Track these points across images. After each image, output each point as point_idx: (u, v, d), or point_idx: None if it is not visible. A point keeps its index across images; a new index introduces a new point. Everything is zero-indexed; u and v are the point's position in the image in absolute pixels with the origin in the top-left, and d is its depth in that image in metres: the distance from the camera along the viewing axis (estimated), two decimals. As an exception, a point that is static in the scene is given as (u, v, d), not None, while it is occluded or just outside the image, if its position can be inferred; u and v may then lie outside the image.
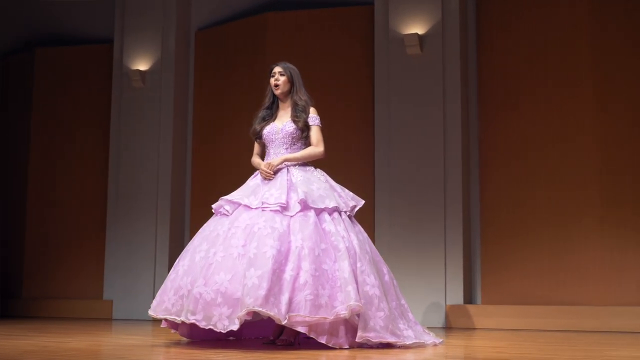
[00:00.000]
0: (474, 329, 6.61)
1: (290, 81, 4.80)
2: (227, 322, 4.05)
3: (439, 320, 6.82)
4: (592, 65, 6.81)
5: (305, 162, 4.73)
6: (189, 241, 4.80)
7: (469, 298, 7.01)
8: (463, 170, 7.06)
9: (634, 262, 6.48)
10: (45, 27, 9.54)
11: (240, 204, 4.53)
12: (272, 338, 4.54)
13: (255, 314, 4.14)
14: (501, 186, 7.08)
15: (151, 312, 4.46)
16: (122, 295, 8.30)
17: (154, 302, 4.48)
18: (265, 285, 4.00)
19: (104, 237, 8.65)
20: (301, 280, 4.09)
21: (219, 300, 4.08)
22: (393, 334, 4.23)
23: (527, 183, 6.97)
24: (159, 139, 8.41)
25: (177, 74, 8.51)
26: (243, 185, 4.75)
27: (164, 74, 8.51)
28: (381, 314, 4.22)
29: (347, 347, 4.16)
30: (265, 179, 4.65)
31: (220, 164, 8.30)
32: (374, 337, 4.16)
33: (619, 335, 5.80)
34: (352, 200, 4.65)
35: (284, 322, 4.02)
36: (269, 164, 4.65)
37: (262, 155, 4.91)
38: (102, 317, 8.30)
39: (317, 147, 4.73)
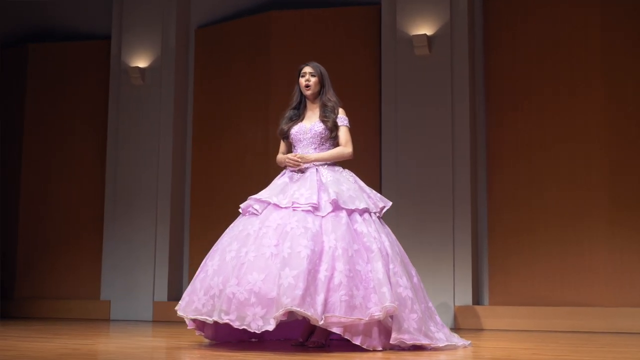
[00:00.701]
0: (482, 329, 6.62)
1: (321, 82, 4.77)
2: (262, 322, 4.01)
3: (447, 322, 6.82)
4: (602, 66, 6.86)
5: (333, 163, 4.70)
6: (217, 240, 4.72)
7: (477, 299, 7.02)
8: (471, 170, 7.06)
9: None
10: (40, 22, 9.37)
11: (269, 203, 4.49)
12: (301, 340, 4.50)
13: (289, 314, 4.10)
14: (508, 187, 7.10)
15: (180, 313, 4.39)
16: (121, 296, 8.18)
17: (182, 302, 4.41)
18: (301, 285, 3.96)
19: (102, 236, 8.52)
20: (336, 280, 4.06)
21: (253, 300, 4.04)
22: (426, 336, 4.22)
23: (534, 184, 7.00)
24: (159, 137, 8.30)
25: (177, 71, 8.42)
26: (271, 184, 4.70)
27: (164, 71, 8.40)
28: (414, 315, 4.20)
29: (381, 348, 4.14)
30: (292, 169, 4.60)
31: (220, 163, 8.22)
32: (408, 339, 4.14)
33: (628, 336, 5.84)
34: (380, 201, 4.63)
35: (320, 323, 3.98)
36: (301, 155, 4.59)
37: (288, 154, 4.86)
38: (100, 318, 8.17)
39: (345, 147, 4.70)
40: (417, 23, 7.31)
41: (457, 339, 4.50)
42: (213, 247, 4.65)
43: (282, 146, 4.91)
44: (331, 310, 4.00)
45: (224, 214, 8.01)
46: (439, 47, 7.24)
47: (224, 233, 4.67)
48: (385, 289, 4.10)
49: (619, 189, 6.69)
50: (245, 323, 4.04)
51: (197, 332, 4.68)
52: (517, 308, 6.76)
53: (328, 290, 4.03)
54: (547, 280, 6.82)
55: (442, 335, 4.37)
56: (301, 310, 3.92)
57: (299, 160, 4.60)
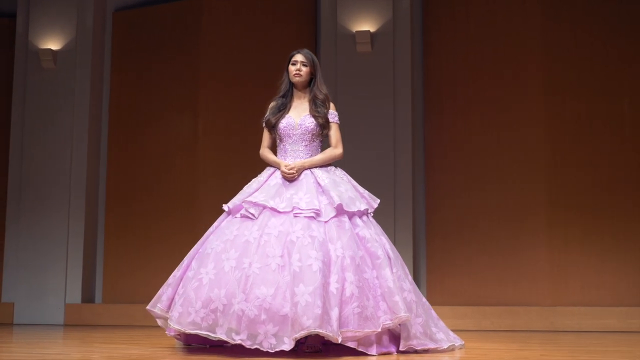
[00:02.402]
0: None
1: (312, 72, 4.51)
2: (274, 340, 3.74)
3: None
4: (541, 67, 7.02)
5: None
6: (198, 241, 4.37)
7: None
8: (413, 169, 7.03)
9: (579, 262, 6.74)
10: None
11: (265, 207, 4.18)
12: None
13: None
14: (447, 187, 7.12)
15: (175, 325, 3.99)
16: (26, 298, 7.49)
17: (174, 312, 4.01)
18: (319, 302, 3.73)
19: (3, 233, 7.77)
20: (347, 292, 3.86)
21: (263, 317, 3.76)
22: (432, 339, 4.11)
23: (473, 183, 7.07)
24: (72, 125, 7.68)
25: (95, 55, 7.81)
26: (260, 185, 4.35)
27: (80, 54, 7.77)
28: (419, 320, 4.08)
29: (394, 352, 3.98)
30: (287, 180, 4.32)
31: (141, 156, 7.72)
32: (417, 344, 4.01)
33: (562, 334, 5.99)
34: (372, 200, 4.43)
35: (339, 341, 3.76)
36: (292, 167, 4.32)
37: (272, 147, 4.57)
38: (1, 322, 7.45)
39: (336, 148, 4.46)
40: (360, 19, 7.18)
41: (453, 336, 4.40)
42: (198, 249, 4.29)
43: (267, 138, 4.58)
44: (345, 325, 3.81)
45: (145, 212, 7.59)
46: (381, 45, 7.15)
47: (210, 234, 4.31)
48: (398, 298, 3.94)
49: (558, 189, 6.86)
50: (257, 342, 3.76)
51: (177, 340, 4.31)
52: (455, 308, 6.78)
53: (341, 304, 3.83)
54: (486, 280, 6.89)
55: (443, 336, 4.26)
56: (323, 331, 3.70)
57: (295, 172, 4.32)
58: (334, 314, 3.75)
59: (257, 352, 4.18)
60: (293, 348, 4.17)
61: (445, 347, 4.15)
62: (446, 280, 7.01)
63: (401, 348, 3.97)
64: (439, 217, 7.11)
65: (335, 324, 3.73)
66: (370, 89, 7.11)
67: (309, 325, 3.67)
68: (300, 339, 4.29)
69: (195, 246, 4.37)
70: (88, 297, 7.56)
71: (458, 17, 7.31)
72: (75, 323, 7.30)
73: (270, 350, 3.73)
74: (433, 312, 4.49)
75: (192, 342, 4.38)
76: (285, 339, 3.72)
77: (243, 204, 4.26)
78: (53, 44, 7.77)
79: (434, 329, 4.25)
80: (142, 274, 7.49)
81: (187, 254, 4.38)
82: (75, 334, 5.91)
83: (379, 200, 4.48)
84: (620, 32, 6.94)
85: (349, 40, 7.18)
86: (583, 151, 6.87)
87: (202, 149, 7.56)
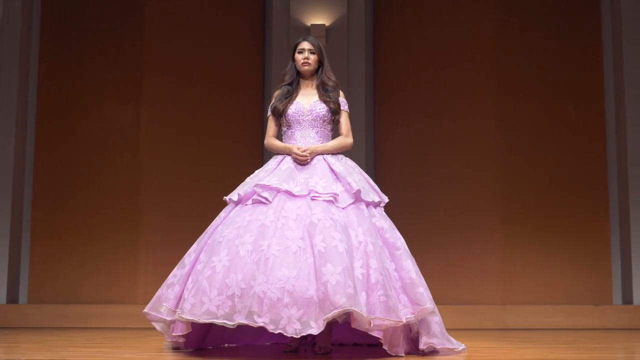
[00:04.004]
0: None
1: (320, 59, 4.34)
2: (299, 325, 3.52)
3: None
4: (495, 66, 7.12)
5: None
6: (203, 233, 4.13)
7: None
8: (366, 168, 6.95)
9: (529, 261, 6.90)
10: None
11: (279, 190, 3.97)
12: (294, 345, 4.06)
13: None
14: (397, 184, 7.09)
15: (188, 316, 3.69)
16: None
17: (187, 304, 3.71)
18: (350, 283, 3.57)
19: None
20: (372, 279, 3.71)
21: (286, 300, 3.54)
22: (449, 340, 4.01)
23: (425, 182, 7.08)
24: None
25: (23, 33, 7.17)
26: (272, 170, 4.15)
27: (4, 34, 7.16)
28: (437, 318, 3.97)
29: (403, 354, 3.84)
30: (300, 163, 4.13)
31: (75, 148, 7.18)
32: (437, 343, 3.91)
33: (517, 332, 6.12)
34: (382, 194, 4.31)
35: (371, 325, 3.60)
36: (306, 149, 4.14)
37: (278, 137, 4.36)
38: None
39: (347, 137, 4.32)
40: (314, 13, 7.05)
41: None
42: (204, 240, 4.05)
43: (272, 127, 4.37)
44: (372, 312, 3.64)
45: (80, 208, 7.09)
46: (335, 39, 7.04)
47: (217, 225, 4.07)
48: (422, 289, 3.84)
49: (512, 187, 6.98)
50: (280, 327, 3.53)
51: (171, 340, 4.02)
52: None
53: (368, 289, 3.67)
54: (440, 279, 6.92)
55: (452, 338, 4.18)
56: (358, 310, 3.52)
57: (307, 156, 4.14)
58: (362, 298, 3.60)
59: (262, 353, 4.00)
60: (294, 348, 4.02)
61: (460, 349, 4.07)
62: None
63: (421, 346, 3.85)
64: (388, 213, 7.06)
65: (364, 309, 3.58)
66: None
67: (343, 303, 3.49)
68: (310, 339, 4.13)
69: (198, 242, 4.12)
70: (13, 297, 6.99)
71: (409, 16, 7.32)
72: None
73: (295, 336, 3.53)
74: None
75: (205, 345, 4.14)
76: (312, 323, 3.51)
77: (255, 188, 4.03)
78: (-24, 23, 7.13)
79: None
80: (75, 273, 6.99)
81: (188, 252, 4.14)
82: (24, 337, 5.42)
83: (387, 198, 4.34)
84: (567, 38, 7.16)
85: (302, 34, 7.00)
86: (535, 150, 7.03)
87: (145, 142, 7.16)
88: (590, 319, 6.61)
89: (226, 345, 4.32)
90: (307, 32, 6.99)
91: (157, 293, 4.08)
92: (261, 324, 3.53)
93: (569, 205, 6.96)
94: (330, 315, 3.51)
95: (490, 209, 6.98)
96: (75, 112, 7.22)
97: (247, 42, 7.33)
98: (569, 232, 6.93)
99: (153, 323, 4.10)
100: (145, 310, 4.06)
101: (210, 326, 4.03)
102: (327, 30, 6.98)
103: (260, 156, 7.16)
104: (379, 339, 3.72)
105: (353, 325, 3.65)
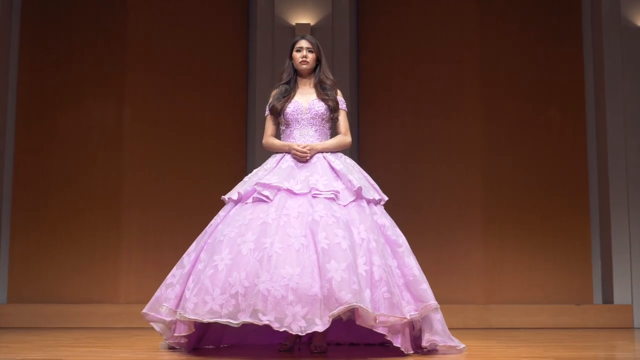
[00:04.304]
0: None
1: (318, 58, 4.33)
2: (304, 322, 3.50)
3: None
4: (479, 74, 7.19)
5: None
6: (202, 232, 4.12)
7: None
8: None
9: (512, 260, 6.96)
10: None
11: (280, 189, 3.95)
12: (288, 344, 4.04)
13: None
14: (381, 183, 7.08)
15: (191, 316, 3.63)
16: None
17: (188, 304, 3.66)
18: (355, 279, 3.56)
19: None
20: (376, 276, 3.71)
21: (291, 297, 3.52)
22: (450, 338, 4.01)
23: (409, 184, 7.11)
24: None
25: (3, 30, 7.06)
26: (272, 169, 4.13)
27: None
28: (439, 316, 3.97)
29: (412, 351, 3.85)
30: (299, 160, 4.11)
31: (56, 146, 7.07)
32: (439, 341, 3.90)
33: (500, 331, 6.18)
34: (382, 193, 4.31)
35: (376, 322, 3.59)
36: (312, 147, 4.13)
37: (276, 135, 4.34)
38: None
39: (346, 136, 4.31)
40: (299, 12, 7.03)
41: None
42: (204, 239, 4.00)
43: (271, 126, 4.34)
44: (376, 309, 3.64)
45: (61, 207, 6.97)
46: (320, 39, 7.00)
47: (217, 224, 4.02)
48: (425, 286, 3.85)
49: (495, 187, 7.04)
50: (285, 325, 3.50)
51: (170, 341, 3.98)
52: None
53: (372, 286, 3.67)
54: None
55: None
56: (363, 306, 3.51)
57: (307, 152, 4.12)
58: (367, 295, 3.59)
59: (259, 352, 3.97)
60: (288, 347, 4.01)
61: (461, 347, 4.06)
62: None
63: (424, 343, 3.85)
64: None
65: (368, 304, 3.57)
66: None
67: (349, 299, 3.48)
68: (305, 338, 4.12)
69: (197, 241, 4.08)
70: (-7, 297, 6.88)
71: (394, 16, 7.35)
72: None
73: (300, 333, 3.50)
74: None
75: (201, 345, 4.09)
76: (317, 320, 3.49)
77: (255, 186, 4.00)
78: (-47, 17, 6.98)
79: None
80: (56, 273, 6.87)
81: (186, 252, 4.09)
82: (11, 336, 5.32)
83: (386, 197, 4.33)
84: (548, 40, 7.25)
85: (287, 33, 7.01)
86: (519, 151, 7.11)
87: (127, 140, 7.08)
88: (572, 318, 6.70)
89: (225, 345, 4.27)
90: (291, 31, 6.99)
91: (156, 293, 4.02)
92: (266, 322, 3.51)
93: (551, 206, 7.05)
94: (335, 311, 3.50)
95: (474, 209, 7.04)
96: (57, 110, 7.11)
97: (231, 41, 7.29)
98: (551, 232, 7.01)
99: (152, 324, 4.04)
100: (144, 310, 4.01)
101: (208, 325, 3.99)
102: (312, 30, 6.97)
103: (243, 156, 7.13)
104: (383, 336, 3.72)
105: (358, 322, 3.64)
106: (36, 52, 7.19)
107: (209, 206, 6.91)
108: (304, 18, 7.01)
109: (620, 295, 6.76)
